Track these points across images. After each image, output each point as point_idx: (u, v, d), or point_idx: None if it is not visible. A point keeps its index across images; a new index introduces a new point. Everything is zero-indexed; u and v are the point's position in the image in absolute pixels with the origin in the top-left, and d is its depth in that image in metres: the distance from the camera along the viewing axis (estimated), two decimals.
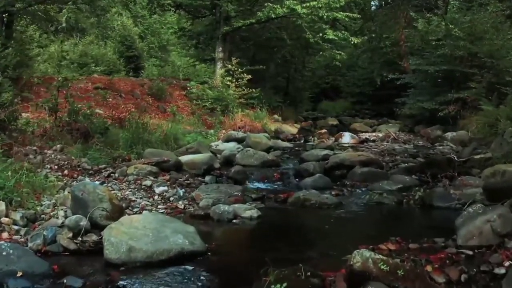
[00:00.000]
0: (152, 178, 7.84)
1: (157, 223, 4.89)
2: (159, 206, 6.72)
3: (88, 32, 23.55)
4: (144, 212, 6.05)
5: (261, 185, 8.42)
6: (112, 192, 6.94)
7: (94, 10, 16.88)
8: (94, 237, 5.09)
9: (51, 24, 20.68)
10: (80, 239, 5.03)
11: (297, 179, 8.76)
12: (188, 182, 7.95)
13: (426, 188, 7.74)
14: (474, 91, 14.51)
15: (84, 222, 5.11)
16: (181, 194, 7.14)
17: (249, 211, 6.31)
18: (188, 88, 17.59)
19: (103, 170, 7.92)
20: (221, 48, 18.72)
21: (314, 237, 5.68)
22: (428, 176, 8.04)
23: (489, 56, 14.52)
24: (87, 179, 7.44)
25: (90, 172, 7.84)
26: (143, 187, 7.35)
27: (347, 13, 16.98)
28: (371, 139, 14.84)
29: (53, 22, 19.56)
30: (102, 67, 19.66)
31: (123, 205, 6.42)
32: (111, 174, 7.82)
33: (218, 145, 11.59)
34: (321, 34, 17.46)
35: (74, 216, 5.24)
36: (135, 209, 6.49)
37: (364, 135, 15.37)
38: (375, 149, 12.19)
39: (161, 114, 15.43)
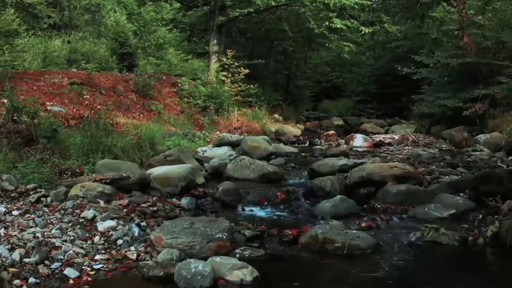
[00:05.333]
0: (102, 203, 5.10)
1: None
2: (96, 257, 3.99)
3: (82, 29, 21.07)
4: None
5: (259, 211, 5.69)
6: (29, 230, 4.23)
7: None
8: None
9: (44, 22, 18.38)
10: None
11: (308, 201, 6.01)
12: (154, 209, 5.17)
13: (501, 219, 5.01)
14: (506, 87, 11.75)
15: None
16: (136, 234, 4.38)
17: (238, 271, 3.58)
18: (179, 85, 14.81)
19: (31, 192, 5.17)
20: (215, 41, 15.90)
21: None
22: (497, 200, 5.28)
23: None
24: (2, 208, 4.70)
25: (12, 195, 5.10)
26: (81, 221, 4.59)
27: (356, 0, 14.13)
28: (386, 141, 12.10)
29: (41, 17, 17.28)
30: (93, 64, 17.17)
31: (35, 258, 3.71)
32: (42, 198, 5.06)
33: (206, 151, 8.78)
34: (327, 23, 14.61)
35: None
36: (55, 264, 3.76)
37: (378, 137, 12.59)
38: (398, 155, 9.43)
39: (146, 113, 12.71)
